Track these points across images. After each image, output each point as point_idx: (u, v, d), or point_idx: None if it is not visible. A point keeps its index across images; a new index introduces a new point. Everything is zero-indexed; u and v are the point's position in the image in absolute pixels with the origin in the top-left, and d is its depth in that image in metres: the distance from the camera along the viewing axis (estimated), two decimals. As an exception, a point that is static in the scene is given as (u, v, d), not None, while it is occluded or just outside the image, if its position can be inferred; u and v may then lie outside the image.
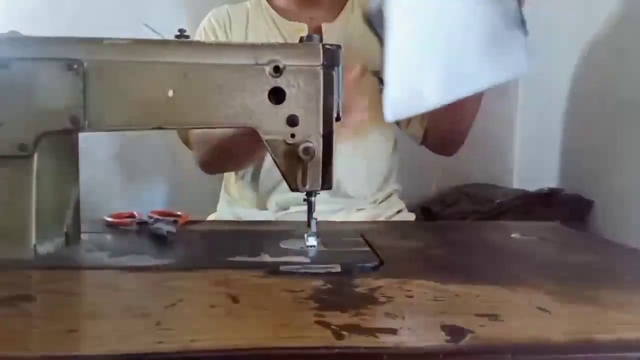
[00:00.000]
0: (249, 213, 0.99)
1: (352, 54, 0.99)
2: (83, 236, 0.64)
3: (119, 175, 1.41)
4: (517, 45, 0.76)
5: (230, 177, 1.07)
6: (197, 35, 1.03)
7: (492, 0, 0.73)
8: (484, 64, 0.73)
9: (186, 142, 1.03)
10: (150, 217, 0.70)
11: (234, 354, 0.33)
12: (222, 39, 1.01)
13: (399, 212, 1.01)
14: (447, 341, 0.34)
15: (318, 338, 0.34)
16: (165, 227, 0.63)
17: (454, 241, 0.69)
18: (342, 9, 1.04)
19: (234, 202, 1.04)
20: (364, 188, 0.99)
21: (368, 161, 0.99)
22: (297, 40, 0.61)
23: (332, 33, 0.99)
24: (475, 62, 0.73)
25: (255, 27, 1.01)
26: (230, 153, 0.92)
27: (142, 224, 0.69)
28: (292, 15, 1.02)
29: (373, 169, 1.01)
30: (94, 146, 1.31)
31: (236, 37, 1.01)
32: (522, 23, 0.76)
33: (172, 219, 0.70)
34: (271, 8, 1.03)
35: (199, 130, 0.95)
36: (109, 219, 0.71)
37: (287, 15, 1.02)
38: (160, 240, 0.62)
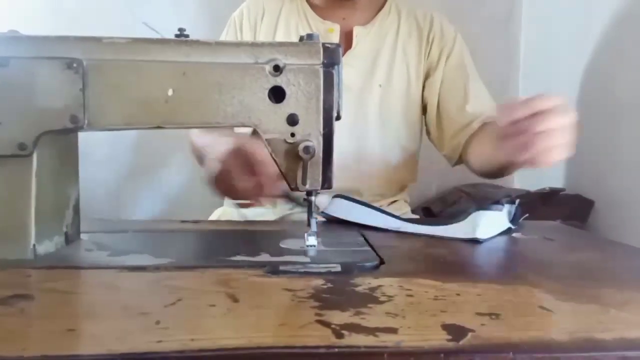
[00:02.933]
0: (254, 211, 0.99)
1: (380, 61, 0.98)
2: (83, 236, 0.64)
3: (120, 174, 1.41)
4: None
5: None
6: (228, 23, 1.03)
7: None
8: None
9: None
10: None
11: (233, 354, 0.32)
12: (246, 30, 1.01)
13: (403, 214, 1.01)
14: (448, 340, 0.34)
15: (318, 337, 0.34)
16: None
17: (454, 240, 0.69)
18: (378, 11, 1.02)
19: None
20: (379, 196, 1.00)
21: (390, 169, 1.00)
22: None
23: (362, 37, 0.98)
24: None
25: (286, 20, 1.00)
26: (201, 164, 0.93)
27: None
28: (326, 13, 1.01)
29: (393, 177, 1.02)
30: (94, 146, 1.31)
31: (266, 28, 1.01)
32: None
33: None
34: (306, 3, 1.02)
35: (191, 132, 0.95)
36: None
37: (320, 13, 1.01)
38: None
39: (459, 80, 0.99)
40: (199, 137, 0.94)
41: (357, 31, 0.98)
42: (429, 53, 1.02)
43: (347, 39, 1.00)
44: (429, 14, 1.04)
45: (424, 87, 1.02)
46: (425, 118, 1.04)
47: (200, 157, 0.90)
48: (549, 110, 0.60)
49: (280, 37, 1.00)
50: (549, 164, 0.62)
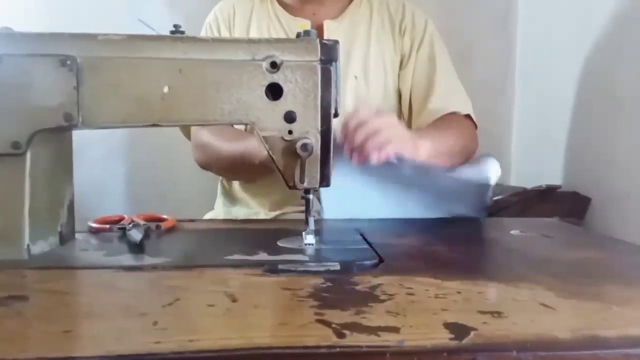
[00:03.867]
0: (247, 211, 0.99)
1: (354, 55, 0.99)
2: (78, 235, 0.63)
3: (114, 174, 1.40)
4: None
5: None
6: (203, 29, 1.03)
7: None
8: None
9: (186, 135, 1.03)
10: (130, 223, 0.68)
11: (234, 354, 0.32)
12: (224, 33, 1.01)
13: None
14: (450, 339, 0.33)
15: (319, 337, 0.34)
16: (136, 235, 0.59)
17: (453, 238, 0.69)
18: (347, 6, 1.03)
19: (231, 200, 1.03)
20: None
21: None
22: None
23: (333, 31, 0.98)
24: None
25: (258, 21, 1.01)
26: (231, 171, 0.92)
27: (123, 229, 0.65)
28: (296, 10, 1.01)
29: None
30: (89, 144, 1.30)
31: (238, 30, 1.01)
32: None
33: (154, 223, 0.68)
34: (276, 2, 1.02)
35: (201, 134, 0.95)
36: (92, 225, 0.68)
37: (291, 11, 1.01)
38: (136, 247, 0.58)
39: (425, 75, 1.00)
40: (213, 134, 0.93)
41: (327, 25, 0.99)
42: (402, 44, 1.02)
43: (318, 34, 0.99)
44: (401, 4, 1.04)
45: (399, 77, 1.03)
46: (401, 109, 1.04)
47: (227, 169, 0.92)
48: (363, 121, 0.71)
49: None
50: (382, 159, 0.71)
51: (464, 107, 0.98)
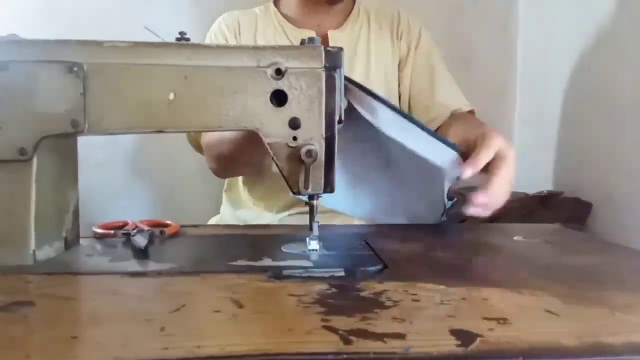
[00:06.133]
0: (253, 215, 0.99)
1: (357, 61, 1.00)
2: (82, 241, 0.63)
3: (119, 179, 1.40)
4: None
5: (232, 179, 1.07)
6: (207, 39, 1.03)
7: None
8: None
9: (197, 147, 1.02)
10: (134, 228, 0.68)
11: (241, 360, 0.32)
12: (231, 42, 1.01)
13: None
14: (457, 346, 0.34)
15: (326, 343, 0.34)
16: (140, 241, 0.59)
17: (456, 244, 0.69)
18: (348, 16, 1.05)
19: (237, 204, 1.03)
20: None
21: None
22: None
23: (338, 40, 1.00)
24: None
25: (263, 33, 1.02)
26: (235, 159, 0.92)
27: (127, 234, 0.65)
28: (300, 22, 1.03)
29: None
30: (93, 150, 1.30)
31: (245, 42, 1.02)
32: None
33: (158, 229, 0.68)
34: (280, 14, 1.04)
35: (208, 137, 0.95)
36: (97, 230, 0.69)
37: (295, 23, 1.03)
38: (140, 253, 0.58)
39: (426, 73, 1.03)
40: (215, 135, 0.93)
41: (332, 34, 1.01)
42: (399, 47, 1.05)
43: (323, 44, 1.01)
44: (396, 11, 1.08)
45: (399, 80, 1.05)
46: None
47: (231, 157, 0.90)
48: (500, 158, 0.68)
49: None
50: (477, 214, 0.70)
51: (465, 101, 1.01)
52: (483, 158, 0.67)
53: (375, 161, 0.79)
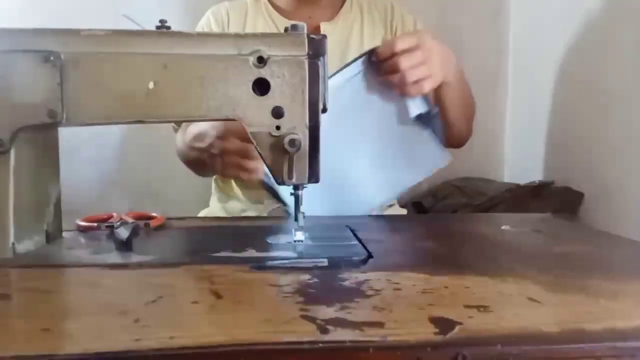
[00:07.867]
0: (242, 206, 0.98)
1: (350, 54, 0.99)
2: (65, 234, 0.62)
3: (107, 173, 1.39)
4: (429, 146, 0.86)
5: None
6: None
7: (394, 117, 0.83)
8: (403, 168, 0.83)
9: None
10: (119, 221, 0.67)
11: (215, 351, 0.31)
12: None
13: (390, 206, 1.00)
14: (435, 334, 0.33)
15: (302, 333, 0.33)
16: (123, 233, 0.57)
17: (444, 234, 0.68)
18: (341, 8, 1.04)
19: (226, 196, 1.02)
20: None
21: None
22: None
23: (329, 33, 0.98)
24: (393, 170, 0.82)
25: (253, 25, 1.01)
26: (204, 166, 0.91)
27: (111, 227, 0.64)
28: (291, 14, 1.02)
29: None
30: (82, 144, 1.29)
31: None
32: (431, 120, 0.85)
33: (143, 221, 0.67)
34: (270, 6, 1.02)
35: (178, 145, 0.95)
36: (80, 223, 0.68)
37: (285, 15, 1.02)
38: (122, 245, 0.57)
39: None
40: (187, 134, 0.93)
41: (324, 27, 1.00)
42: None
43: None
44: (389, 4, 1.07)
45: None
46: None
47: (190, 147, 0.88)
48: (411, 48, 0.75)
49: None
50: (419, 94, 0.79)
51: None
52: (401, 39, 0.76)
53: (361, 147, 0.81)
